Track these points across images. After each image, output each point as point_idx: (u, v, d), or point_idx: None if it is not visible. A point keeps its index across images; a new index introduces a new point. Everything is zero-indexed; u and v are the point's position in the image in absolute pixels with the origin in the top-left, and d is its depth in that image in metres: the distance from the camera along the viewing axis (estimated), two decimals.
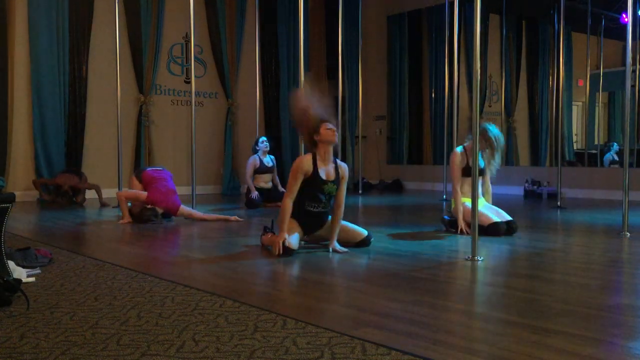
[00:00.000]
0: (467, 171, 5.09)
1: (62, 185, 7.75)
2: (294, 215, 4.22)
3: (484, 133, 5.10)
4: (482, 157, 5.25)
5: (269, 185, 7.76)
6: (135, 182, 6.20)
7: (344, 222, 4.42)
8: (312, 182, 4.18)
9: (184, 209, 6.07)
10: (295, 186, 4.18)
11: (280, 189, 7.74)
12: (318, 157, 4.22)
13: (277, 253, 4.02)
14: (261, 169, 7.64)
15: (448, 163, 8.67)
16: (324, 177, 4.21)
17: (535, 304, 2.86)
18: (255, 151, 7.73)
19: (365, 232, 4.42)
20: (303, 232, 4.29)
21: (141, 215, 5.85)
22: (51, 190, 7.90)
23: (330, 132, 4.17)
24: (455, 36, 8.09)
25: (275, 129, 10.37)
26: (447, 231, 5.21)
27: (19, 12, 8.11)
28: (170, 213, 6.05)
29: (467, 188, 5.05)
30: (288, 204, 4.17)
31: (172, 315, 2.62)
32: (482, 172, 5.22)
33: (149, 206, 5.90)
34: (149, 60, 9.17)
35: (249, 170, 7.65)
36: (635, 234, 5.00)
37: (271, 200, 7.55)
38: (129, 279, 3.35)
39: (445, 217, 5.35)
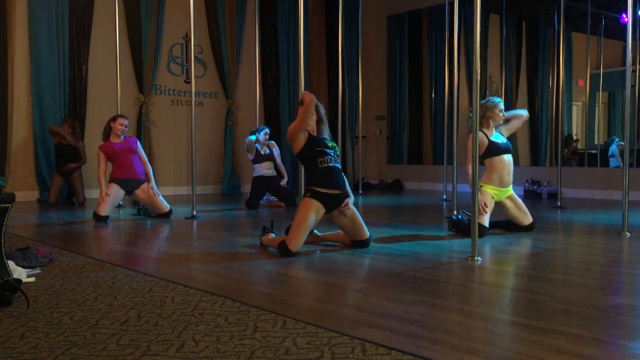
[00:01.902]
0: (493, 150, 5.02)
1: (65, 136, 7.85)
2: (313, 191, 4.23)
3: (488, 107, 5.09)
4: (502, 133, 5.21)
5: (271, 172, 7.58)
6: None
7: (358, 216, 4.43)
8: (313, 141, 4.32)
9: (149, 170, 6.50)
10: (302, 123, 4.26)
11: (284, 179, 7.70)
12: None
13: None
14: (260, 156, 7.52)
15: (449, 157, 8.69)
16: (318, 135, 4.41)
17: (535, 304, 2.86)
18: (253, 133, 7.61)
19: (368, 234, 4.44)
20: (325, 209, 4.25)
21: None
22: (58, 173, 7.92)
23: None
24: (455, 36, 8.07)
25: (275, 129, 10.36)
26: (449, 231, 5.19)
27: (19, 12, 8.11)
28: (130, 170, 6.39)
29: (494, 173, 5.02)
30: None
31: (172, 315, 2.62)
32: (508, 150, 5.15)
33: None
34: (149, 60, 9.16)
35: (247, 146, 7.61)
36: (635, 234, 5.00)
37: (271, 190, 7.55)
38: (129, 279, 3.35)
39: (452, 216, 5.26)
